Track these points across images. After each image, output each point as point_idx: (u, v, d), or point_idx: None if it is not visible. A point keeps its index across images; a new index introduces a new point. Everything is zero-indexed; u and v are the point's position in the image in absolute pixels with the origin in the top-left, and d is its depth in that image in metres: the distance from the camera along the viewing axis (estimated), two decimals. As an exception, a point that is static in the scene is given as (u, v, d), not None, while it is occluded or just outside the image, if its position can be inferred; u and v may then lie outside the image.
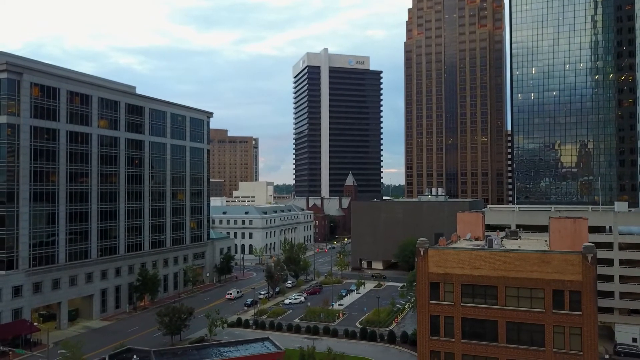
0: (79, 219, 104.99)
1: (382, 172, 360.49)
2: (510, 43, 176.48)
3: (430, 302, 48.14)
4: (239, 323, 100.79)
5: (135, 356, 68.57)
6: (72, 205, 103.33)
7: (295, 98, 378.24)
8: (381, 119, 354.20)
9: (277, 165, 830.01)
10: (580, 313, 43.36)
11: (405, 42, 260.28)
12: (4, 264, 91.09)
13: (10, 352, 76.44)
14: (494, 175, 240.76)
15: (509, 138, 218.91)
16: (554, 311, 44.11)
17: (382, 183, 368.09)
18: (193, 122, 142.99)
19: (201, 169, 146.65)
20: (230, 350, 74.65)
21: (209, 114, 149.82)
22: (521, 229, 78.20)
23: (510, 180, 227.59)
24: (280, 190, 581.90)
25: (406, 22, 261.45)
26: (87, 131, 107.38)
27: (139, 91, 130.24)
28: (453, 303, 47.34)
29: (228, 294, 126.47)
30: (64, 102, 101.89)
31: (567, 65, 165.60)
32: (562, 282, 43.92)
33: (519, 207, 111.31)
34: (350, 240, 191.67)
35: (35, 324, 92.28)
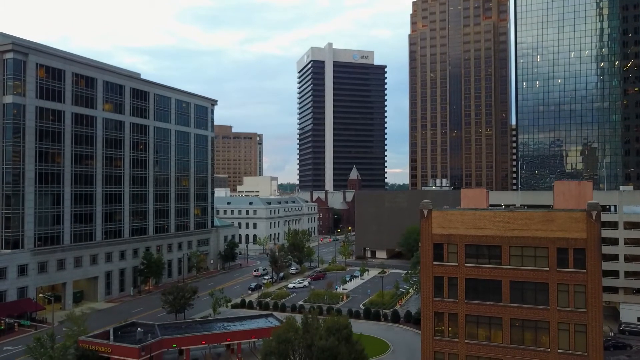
0: (83, 201, 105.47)
1: (386, 167, 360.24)
2: (515, 31, 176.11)
3: (434, 263, 48.10)
4: (242, 304, 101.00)
5: (139, 329, 68.95)
6: (77, 187, 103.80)
7: (299, 93, 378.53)
8: (385, 114, 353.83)
9: (282, 165, 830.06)
10: (585, 270, 43.22)
11: (409, 35, 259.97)
12: (10, 242, 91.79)
13: (15, 324, 77.00)
14: (498, 169, 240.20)
15: (514, 133, 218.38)
16: (558, 269, 43.99)
17: (386, 179, 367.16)
18: (197, 109, 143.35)
19: (205, 156, 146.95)
20: (234, 325, 75.05)
21: (214, 102, 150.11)
22: (525, 207, 78.03)
23: (514, 175, 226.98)
24: (284, 188, 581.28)
25: (411, 14, 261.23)
26: (92, 114, 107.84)
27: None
28: (457, 264, 47.28)
29: (255, 270, 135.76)
30: (69, 84, 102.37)
31: (572, 53, 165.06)
32: (566, 240, 43.78)
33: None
34: (354, 232, 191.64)
35: (41, 295, 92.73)
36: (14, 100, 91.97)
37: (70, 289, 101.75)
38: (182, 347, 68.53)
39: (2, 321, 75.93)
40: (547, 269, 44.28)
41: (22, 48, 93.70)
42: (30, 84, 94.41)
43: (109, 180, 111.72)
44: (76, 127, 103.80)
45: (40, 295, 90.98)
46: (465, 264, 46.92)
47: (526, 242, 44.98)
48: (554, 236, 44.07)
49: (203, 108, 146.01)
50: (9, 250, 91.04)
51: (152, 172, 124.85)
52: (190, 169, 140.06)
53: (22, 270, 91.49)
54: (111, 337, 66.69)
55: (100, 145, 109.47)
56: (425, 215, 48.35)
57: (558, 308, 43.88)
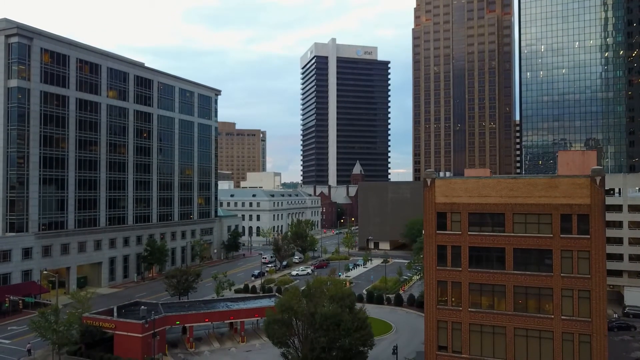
0: (87, 187, 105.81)
1: (389, 162, 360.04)
2: (519, 21, 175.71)
3: (437, 232, 48.05)
4: (246, 289, 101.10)
5: (143, 307, 69.12)
6: (81, 172, 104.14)
7: (303, 89, 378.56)
8: (389, 110, 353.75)
9: (285, 165, 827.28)
10: (589, 236, 43.10)
11: (413, 29, 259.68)
12: (14, 226, 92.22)
13: (20, 302, 77.43)
14: (502, 163, 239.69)
15: (518, 128, 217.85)
16: (561, 236, 43.87)
17: (390, 175, 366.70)
18: (201, 98, 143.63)
19: (209, 145, 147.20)
20: (237, 304, 75.20)
21: (217, 92, 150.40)
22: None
23: (518, 170, 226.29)
24: (287, 187, 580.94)
25: (414, 8, 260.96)
26: (97, 100, 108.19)
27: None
28: (460, 232, 47.23)
29: (263, 257, 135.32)
30: (73, 69, 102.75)
31: (577, 43, 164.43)
32: (570, 206, 43.66)
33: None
34: (357, 226, 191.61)
35: (45, 272, 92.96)
36: (19, 84, 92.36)
37: (74, 274, 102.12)
38: (186, 325, 68.78)
39: (7, 299, 76.37)
40: (551, 235, 44.18)
41: (27, 32, 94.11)
42: (35, 68, 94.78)
43: (112, 166, 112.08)
44: (80, 113, 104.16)
45: (45, 272, 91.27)
46: (469, 232, 46.87)
47: (530, 209, 44.90)
48: (557, 202, 43.97)
49: (206, 98, 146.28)
50: (13, 233, 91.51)
51: (155, 160, 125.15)
52: (193, 158, 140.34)
53: (27, 253, 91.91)
54: (115, 314, 66.98)
55: (104, 131, 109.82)
56: (429, 184, 48.34)
57: (562, 274, 43.79)
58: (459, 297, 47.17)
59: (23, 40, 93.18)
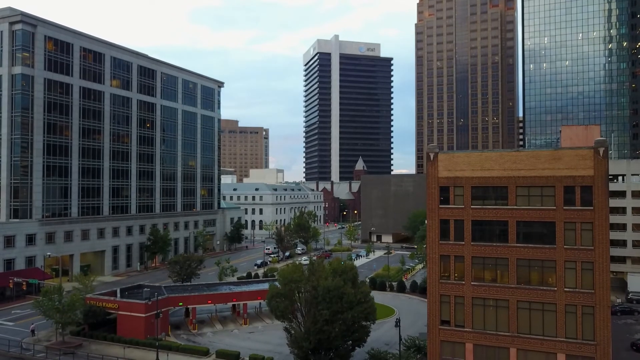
0: (91, 175, 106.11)
1: (392, 159, 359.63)
2: (523, 13, 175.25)
3: (440, 206, 48.01)
4: (248, 277, 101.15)
5: (146, 289, 69.24)
6: (84, 160, 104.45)
7: (305, 85, 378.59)
8: (392, 107, 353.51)
9: (289, 165, 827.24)
10: (592, 208, 42.97)
11: (416, 24, 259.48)
12: (18, 212, 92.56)
13: (24, 283, 77.73)
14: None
15: (521, 125, 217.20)
16: (564, 208, 43.74)
17: (392, 172, 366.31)
18: (204, 90, 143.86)
19: (212, 137, 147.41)
20: (240, 287, 75.34)
21: (220, 83, 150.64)
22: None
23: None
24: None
25: (417, 4, 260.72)
26: (100, 89, 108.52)
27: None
28: (463, 206, 47.17)
29: (266, 248, 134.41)
30: (77, 57, 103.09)
31: (580, 35, 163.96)
32: (573, 178, 43.52)
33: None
34: (360, 220, 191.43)
35: (48, 255, 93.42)
36: (23, 71, 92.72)
37: (77, 262, 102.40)
38: (188, 307, 68.88)
39: (10, 280, 76.68)
40: (554, 207, 44.06)
41: (31, 20, 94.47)
42: (39, 55, 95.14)
43: (116, 155, 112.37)
44: (84, 101, 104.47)
45: (48, 256, 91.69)
46: (472, 206, 46.79)
47: (533, 181, 44.77)
48: (560, 174, 43.85)
49: (209, 89, 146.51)
50: (17, 220, 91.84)
51: (158, 150, 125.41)
52: (196, 149, 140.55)
53: (30, 239, 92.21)
54: (118, 295, 67.17)
55: (107, 120, 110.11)
56: (432, 158, 48.29)
57: (565, 247, 43.65)
58: (461, 271, 47.10)
59: (27, 27, 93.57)
